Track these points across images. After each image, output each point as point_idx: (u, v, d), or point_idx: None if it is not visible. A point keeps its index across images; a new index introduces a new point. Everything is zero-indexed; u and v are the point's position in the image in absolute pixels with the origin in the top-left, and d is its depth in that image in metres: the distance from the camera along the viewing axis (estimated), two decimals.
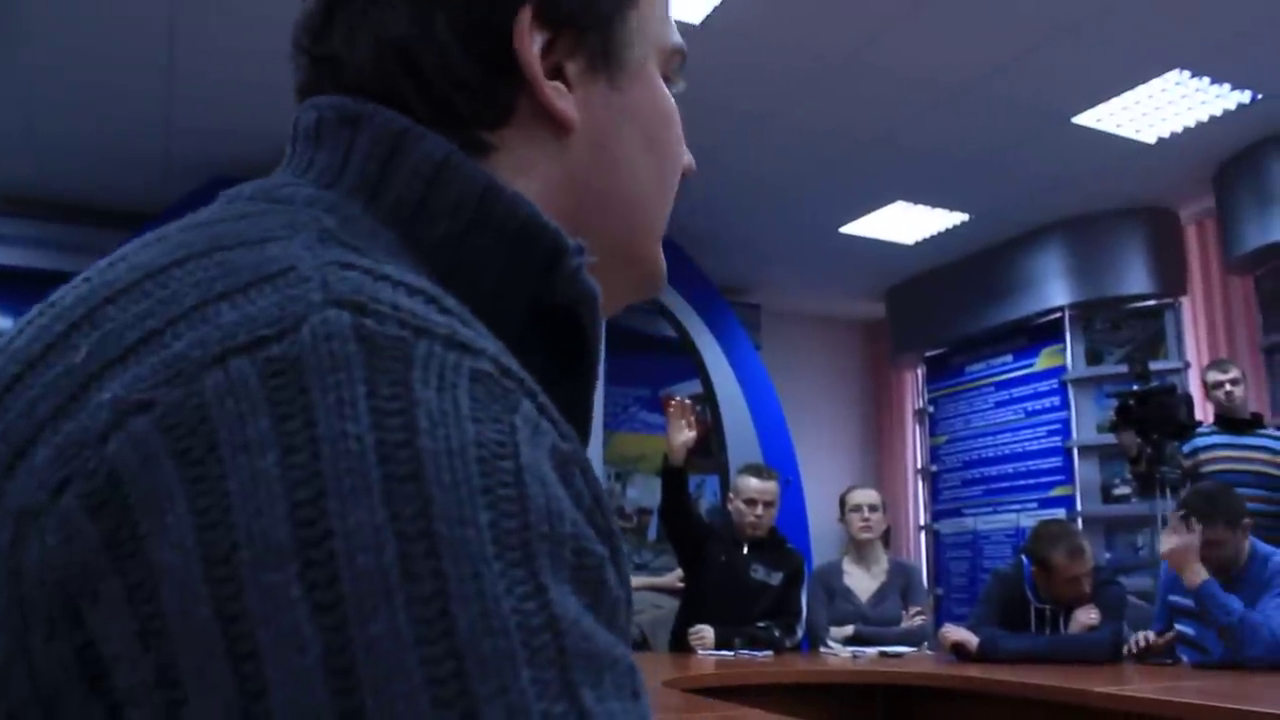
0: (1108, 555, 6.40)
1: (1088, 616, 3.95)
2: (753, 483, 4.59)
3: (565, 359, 0.55)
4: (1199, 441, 5.07)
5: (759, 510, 4.55)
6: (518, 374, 0.42)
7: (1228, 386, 5.04)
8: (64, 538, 0.37)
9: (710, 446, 6.88)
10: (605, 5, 0.60)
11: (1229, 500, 3.64)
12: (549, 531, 0.37)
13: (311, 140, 0.57)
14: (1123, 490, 6.56)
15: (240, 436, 0.36)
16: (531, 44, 0.57)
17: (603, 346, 0.58)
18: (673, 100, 0.66)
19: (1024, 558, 4.15)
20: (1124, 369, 5.93)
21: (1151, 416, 4.88)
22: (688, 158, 0.69)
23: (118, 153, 5.79)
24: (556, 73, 0.59)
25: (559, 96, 0.58)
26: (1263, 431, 5.07)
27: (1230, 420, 5.08)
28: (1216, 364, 5.25)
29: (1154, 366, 5.57)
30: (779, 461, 6.13)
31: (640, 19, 0.62)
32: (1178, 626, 3.76)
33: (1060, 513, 6.66)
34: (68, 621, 0.37)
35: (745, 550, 4.55)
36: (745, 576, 4.49)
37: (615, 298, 0.64)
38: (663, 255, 0.67)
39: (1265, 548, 3.66)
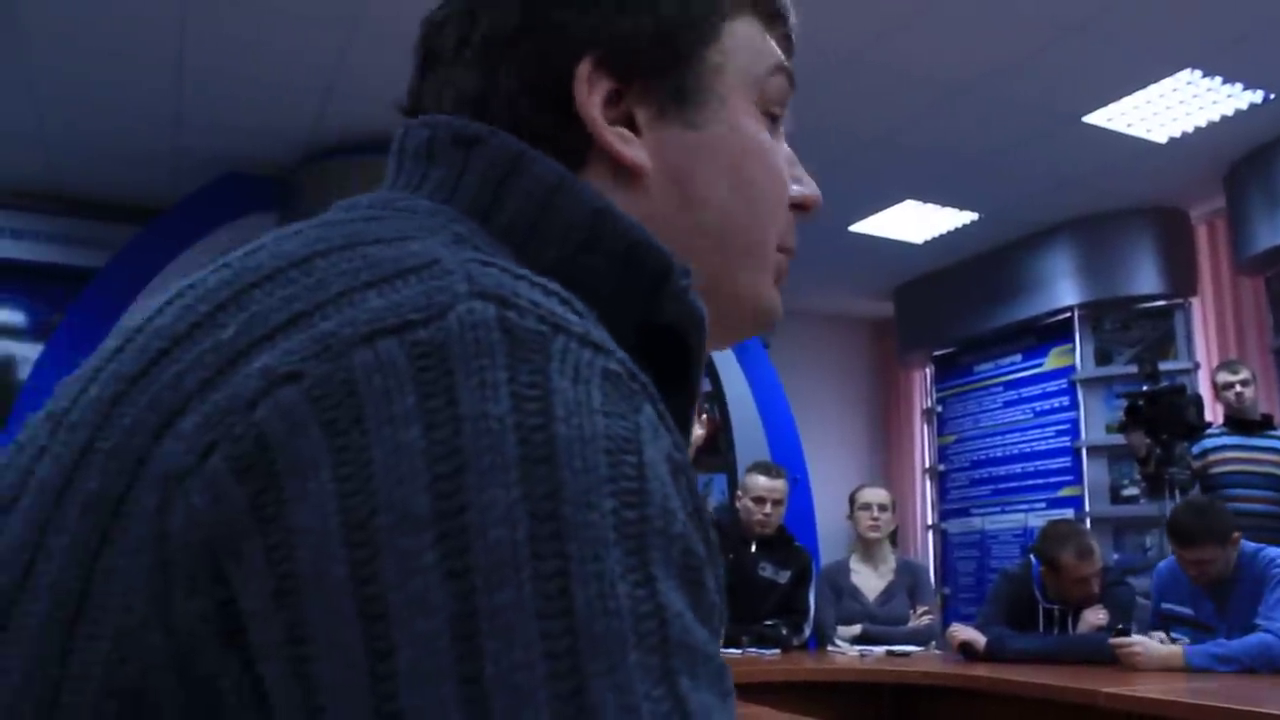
0: (1116, 556, 6.39)
1: (1096, 617, 3.94)
2: (761, 481, 4.59)
3: (669, 379, 0.56)
4: (1208, 443, 5.05)
5: (767, 508, 4.54)
6: (643, 379, 0.44)
7: (1238, 388, 5.02)
8: (211, 498, 0.39)
9: (718, 444, 6.88)
10: (677, 50, 0.61)
11: (1218, 518, 3.60)
12: (663, 527, 0.39)
13: (424, 158, 0.59)
14: (1131, 491, 6.55)
15: (386, 411, 0.38)
16: (592, 94, 0.58)
17: (703, 368, 0.59)
18: (764, 133, 0.64)
19: (1032, 557, 4.14)
20: (1133, 369, 5.92)
21: (1161, 417, 4.87)
22: (805, 189, 0.68)
23: (127, 147, 5.80)
24: (629, 119, 0.60)
25: (623, 143, 0.59)
26: (1273, 433, 5.05)
27: (1240, 421, 5.07)
28: (1227, 365, 5.23)
29: (1163, 367, 5.57)
30: (787, 460, 6.12)
31: (724, 53, 0.62)
32: (1173, 634, 3.74)
33: (1069, 513, 6.65)
34: (209, 579, 0.39)
35: (753, 548, 4.55)
36: (753, 575, 4.49)
37: (724, 331, 0.64)
38: (772, 291, 0.66)
39: (1250, 545, 3.64)
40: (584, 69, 0.58)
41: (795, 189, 0.67)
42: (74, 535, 0.42)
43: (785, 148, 0.68)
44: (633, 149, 0.59)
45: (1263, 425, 5.07)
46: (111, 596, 0.41)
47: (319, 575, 0.36)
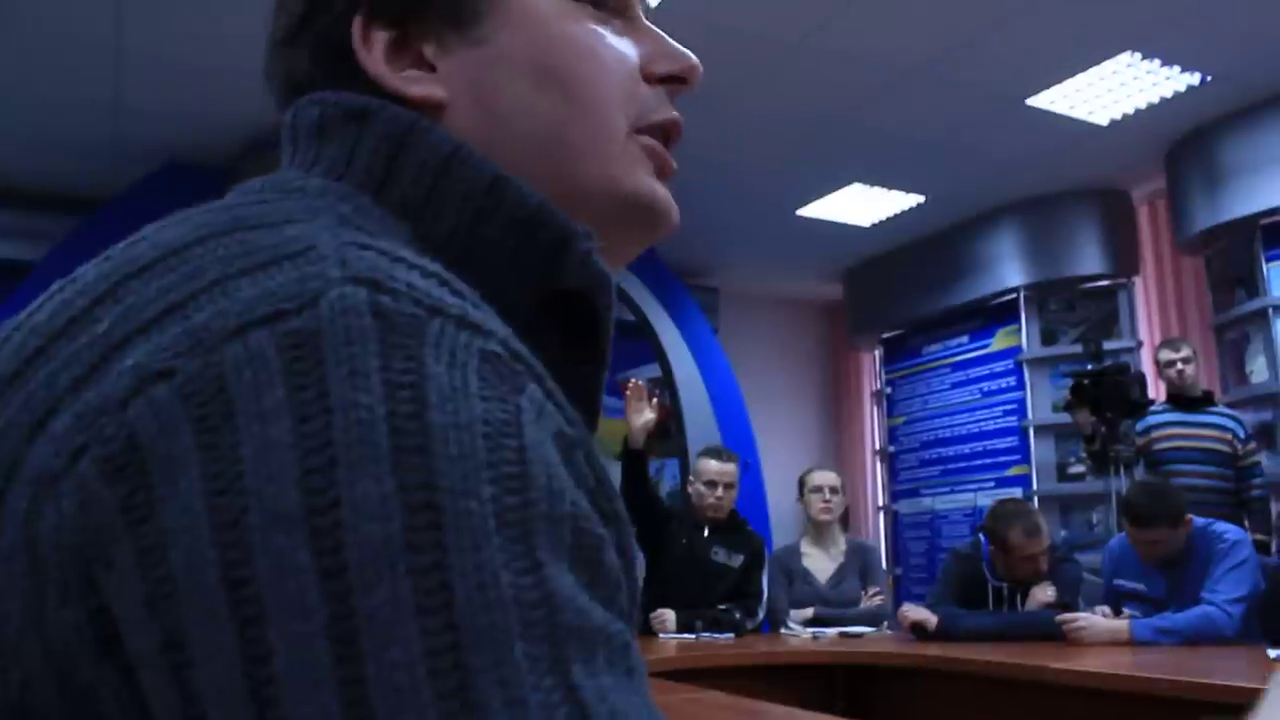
0: (1063, 533, 6.48)
1: (1044, 594, 3.99)
2: (712, 465, 4.60)
3: (577, 343, 0.55)
4: (1151, 419, 5.13)
5: (719, 492, 4.56)
6: (526, 358, 0.43)
7: (1179, 365, 5.10)
8: (80, 502, 0.38)
9: (669, 430, 6.89)
10: None
11: (1171, 499, 3.65)
12: (548, 510, 0.38)
13: (315, 135, 0.58)
14: (1078, 469, 6.64)
15: (256, 405, 0.37)
16: (371, 48, 0.59)
17: (612, 330, 0.58)
18: (574, 20, 0.62)
19: (981, 537, 4.19)
20: (1078, 349, 5.99)
21: (1105, 395, 4.93)
22: (673, 61, 0.65)
23: (65, 136, 5.69)
24: (420, 58, 0.60)
25: (410, 83, 0.59)
26: (1214, 409, 5.14)
27: (1182, 398, 5.15)
28: (1168, 343, 5.31)
29: (1107, 346, 5.64)
30: (738, 444, 6.15)
31: None
32: (1125, 609, 3.81)
33: (1017, 492, 6.73)
34: (82, 586, 0.37)
35: (706, 533, 4.56)
36: (706, 559, 4.50)
37: (610, 239, 0.61)
38: (637, 177, 0.63)
39: (1200, 520, 3.70)
40: (356, 29, 0.58)
41: (663, 65, 0.65)
42: None
43: (646, 25, 0.66)
44: (422, 85, 0.59)
45: (1203, 401, 5.16)
46: None
47: (191, 578, 0.35)
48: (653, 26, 0.66)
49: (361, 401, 0.37)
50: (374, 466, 0.36)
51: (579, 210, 0.59)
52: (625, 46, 0.64)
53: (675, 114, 0.65)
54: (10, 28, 4.56)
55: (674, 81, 0.65)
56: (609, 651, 0.37)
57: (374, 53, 0.59)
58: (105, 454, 0.38)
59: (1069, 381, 5.31)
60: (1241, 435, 5.02)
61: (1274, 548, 4.74)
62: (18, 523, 0.39)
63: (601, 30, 0.63)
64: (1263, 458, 5.13)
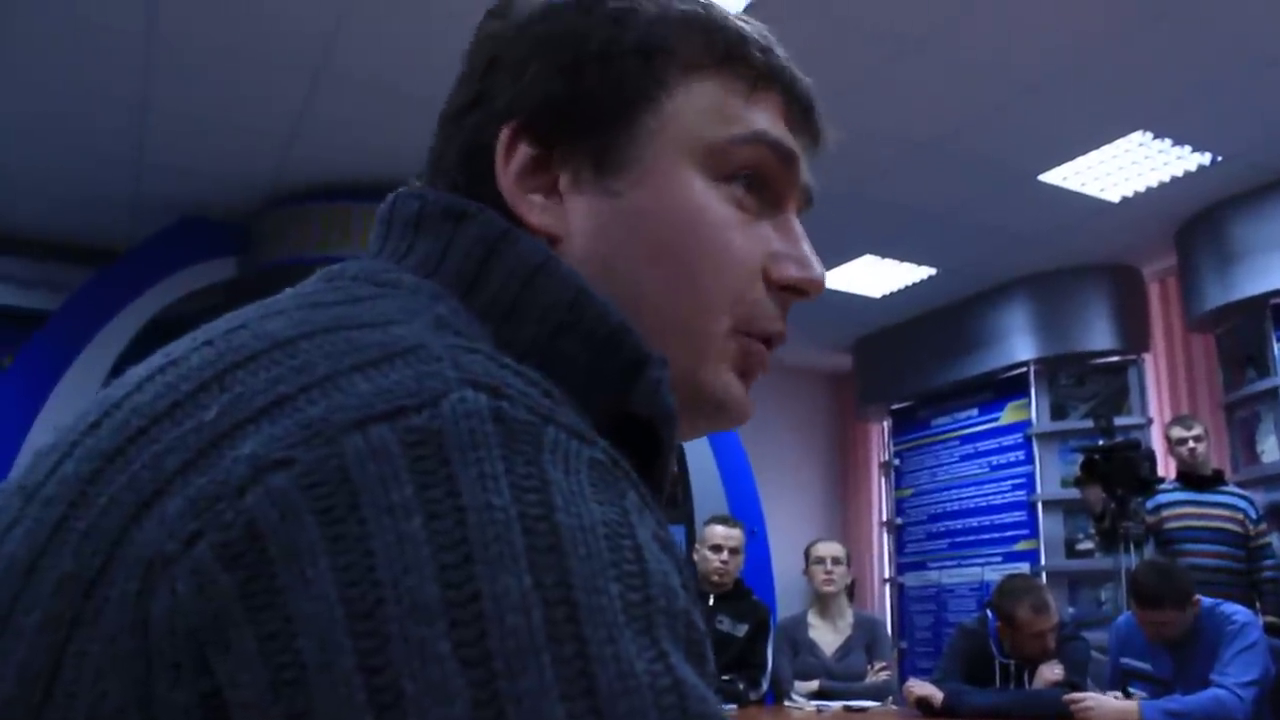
0: (1071, 610, 6.41)
1: (1052, 672, 3.94)
2: (718, 530, 4.59)
3: (637, 468, 0.56)
4: (1162, 498, 5.09)
5: (724, 556, 4.53)
6: (624, 465, 0.45)
7: (1191, 443, 5.07)
8: (196, 586, 0.38)
9: (676, 498, 6.86)
10: (597, 115, 0.60)
11: (1178, 580, 3.62)
12: (666, 605, 0.40)
13: (412, 228, 0.59)
14: (1086, 545, 6.58)
15: (384, 499, 0.38)
16: (510, 161, 0.60)
17: (674, 465, 0.58)
18: (713, 203, 0.60)
19: (989, 612, 4.15)
20: (1088, 424, 5.97)
21: (1116, 472, 4.90)
22: (799, 269, 0.63)
23: (86, 189, 5.75)
24: (552, 185, 0.60)
25: (533, 209, 0.59)
26: (1224, 489, 5.10)
27: (1192, 477, 5.12)
28: (1180, 420, 5.28)
29: (1117, 422, 5.62)
30: (744, 512, 6.11)
31: (664, 120, 0.60)
32: (1131, 689, 3.75)
33: (1024, 567, 6.68)
34: (195, 669, 0.37)
35: (711, 602, 4.52)
36: (710, 628, 4.45)
37: (685, 425, 0.61)
38: (720, 380, 0.62)
39: (1208, 600, 3.66)
40: (504, 136, 0.60)
41: (789, 270, 0.63)
42: (45, 614, 0.41)
43: (793, 223, 0.65)
44: (544, 215, 0.59)
45: (1214, 480, 5.12)
46: (82, 681, 0.39)
47: (325, 665, 0.36)
48: (797, 226, 0.65)
49: (494, 503, 0.38)
50: (512, 564, 0.37)
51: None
52: (756, 242, 0.62)
53: (782, 328, 0.64)
54: (39, 79, 4.63)
55: (792, 291, 0.64)
56: None
57: (511, 165, 0.60)
58: (223, 540, 0.38)
59: (1078, 456, 5.29)
60: (1253, 516, 4.98)
61: None
62: (126, 604, 0.39)
63: (738, 220, 0.61)
64: (1274, 539, 5.08)
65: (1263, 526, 5.00)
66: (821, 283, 0.64)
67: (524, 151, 0.60)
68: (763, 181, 0.63)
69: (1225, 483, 5.16)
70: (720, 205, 0.61)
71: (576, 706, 0.35)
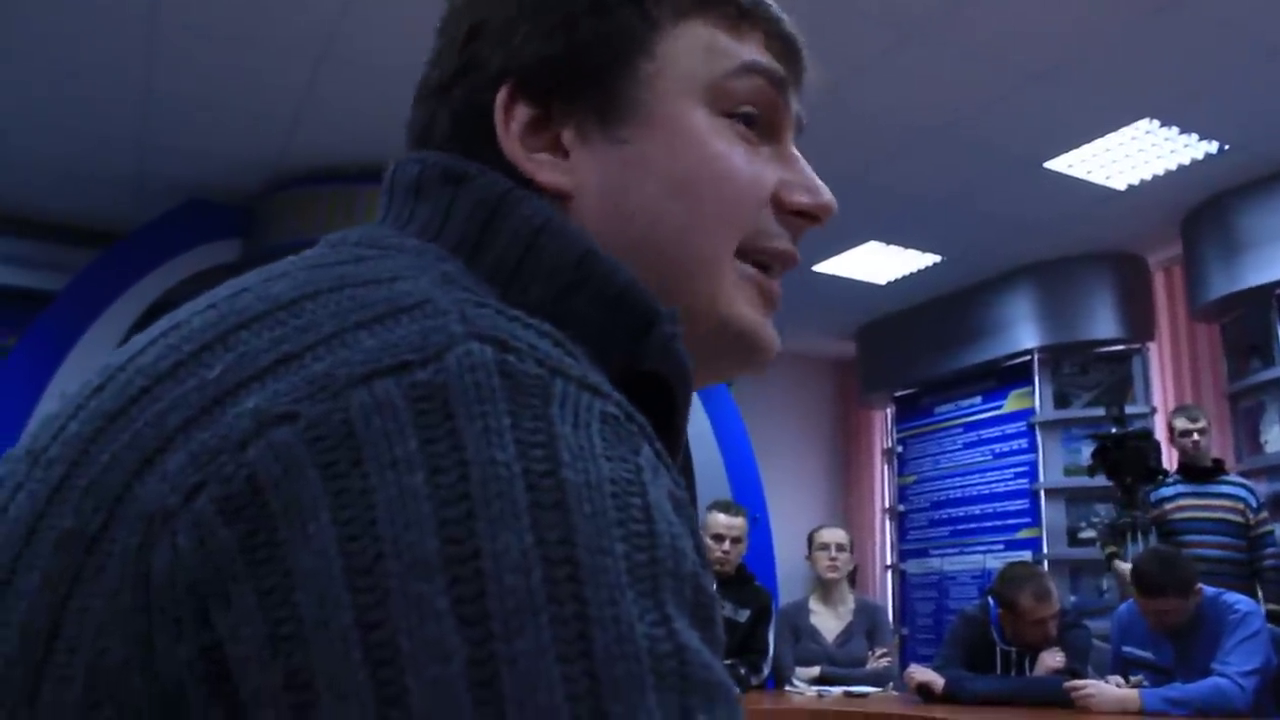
0: (1073, 598, 6.41)
1: (1053, 659, 3.94)
2: (720, 518, 4.58)
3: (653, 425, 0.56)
4: (1164, 491, 5.09)
5: (726, 546, 4.53)
6: (639, 419, 0.44)
7: (1195, 436, 5.06)
8: (197, 540, 0.38)
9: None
10: (592, 68, 0.60)
11: (1181, 569, 3.62)
12: (674, 568, 0.39)
13: (412, 193, 0.59)
14: (1089, 534, 6.59)
15: (387, 454, 0.37)
16: (510, 122, 0.59)
17: (688, 421, 0.57)
18: (719, 136, 0.61)
19: (990, 599, 4.15)
20: (1092, 413, 5.96)
21: (1126, 460, 4.91)
22: (808, 195, 0.64)
23: (90, 170, 5.75)
24: (557, 141, 0.60)
25: (542, 168, 0.59)
26: (1225, 479, 5.10)
27: (1193, 469, 5.11)
28: (1185, 411, 5.24)
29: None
30: (748, 498, 6.11)
31: (660, 63, 0.60)
32: (1132, 678, 3.76)
33: (1027, 555, 6.68)
34: (196, 623, 0.38)
35: (713, 587, 4.52)
36: None
37: (707, 361, 0.61)
38: (742, 308, 0.62)
39: (1210, 590, 3.67)
40: (501, 98, 0.59)
41: (799, 196, 0.64)
42: (45, 573, 0.41)
43: (793, 152, 0.65)
44: (554, 173, 0.59)
45: (1214, 471, 5.11)
46: (83, 637, 0.40)
47: (323, 620, 0.36)
48: (798, 155, 0.66)
49: (498, 458, 0.38)
50: (513, 521, 0.36)
51: (686, 327, 0.58)
52: (765, 171, 0.63)
53: (793, 248, 0.64)
54: (44, 61, 4.63)
55: (804, 216, 0.65)
56: (727, 705, 0.38)
57: (512, 127, 0.59)
58: (224, 493, 0.38)
59: (1081, 445, 5.29)
60: (1254, 505, 4.98)
61: None
62: (128, 559, 0.39)
63: (745, 152, 0.62)
64: (1275, 527, 5.08)
65: (1263, 515, 5.00)
66: (832, 206, 0.65)
67: (523, 111, 0.59)
68: (760, 112, 0.63)
69: (1225, 472, 5.16)
70: (728, 136, 0.62)
71: (572, 669, 0.35)
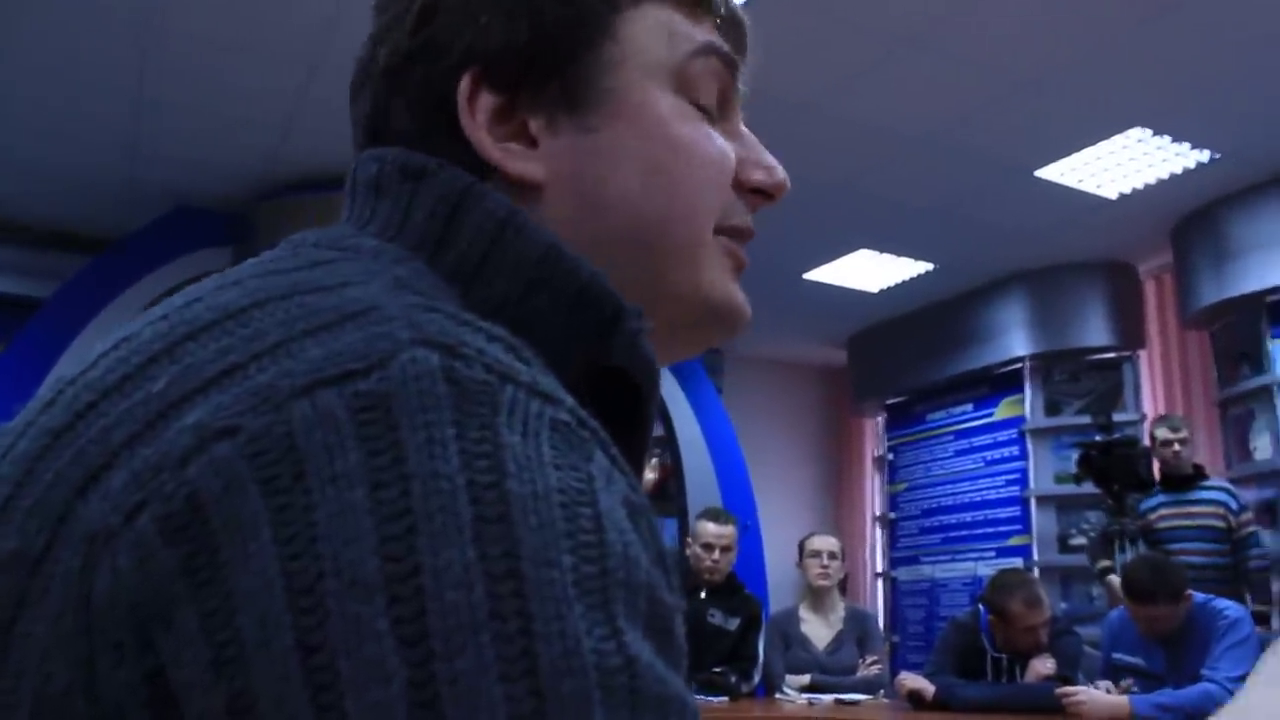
0: (1064, 605, 6.42)
1: (1044, 666, 3.95)
2: (710, 528, 4.58)
3: (619, 422, 0.54)
4: (1148, 502, 5.11)
5: (715, 555, 4.53)
6: (592, 425, 0.43)
7: (1176, 446, 5.06)
8: (138, 561, 0.37)
9: (669, 490, 6.86)
10: (556, 54, 0.58)
11: (1171, 575, 3.63)
12: (625, 578, 0.38)
13: (372, 191, 0.57)
14: (1079, 541, 6.60)
15: (329, 468, 0.36)
16: (475, 111, 0.57)
17: (655, 417, 0.57)
18: (685, 119, 0.61)
19: (981, 606, 4.15)
20: (1082, 420, 5.96)
21: (1114, 468, 4.91)
22: (766, 173, 0.65)
23: (80, 177, 5.73)
24: (524, 130, 0.58)
25: (511, 158, 0.57)
26: (1204, 484, 5.10)
27: (1173, 478, 5.12)
28: (1166, 421, 5.26)
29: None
30: (738, 506, 6.12)
31: (624, 46, 0.60)
32: (1123, 684, 3.76)
33: (1018, 562, 6.68)
34: (138, 647, 0.36)
35: (702, 595, 4.52)
36: (702, 622, 4.46)
37: (685, 337, 0.62)
38: (721, 282, 0.62)
39: (1200, 596, 3.67)
40: (464, 87, 0.57)
41: (756, 174, 0.64)
42: None
43: (743, 130, 0.66)
44: (522, 162, 0.58)
45: (1194, 479, 5.12)
46: (28, 662, 0.39)
47: (264, 642, 0.35)
48: (749, 133, 0.66)
49: (441, 470, 0.36)
50: (455, 535, 0.35)
51: (663, 308, 0.59)
52: (728, 150, 0.63)
53: (750, 224, 0.65)
54: (35, 67, 4.61)
55: (760, 194, 0.65)
56: (681, 719, 0.37)
57: (478, 116, 0.57)
58: (165, 512, 0.37)
59: (1072, 452, 5.29)
60: (1234, 507, 4.99)
61: (1274, 621, 4.70)
62: (70, 581, 0.38)
63: (710, 132, 0.62)
64: (1264, 534, 5.10)
65: (1245, 516, 5.02)
66: (786, 184, 0.65)
67: (487, 100, 0.57)
68: (716, 92, 0.64)
69: (1205, 478, 5.16)
70: (692, 117, 0.61)
71: (516, 688, 0.34)
